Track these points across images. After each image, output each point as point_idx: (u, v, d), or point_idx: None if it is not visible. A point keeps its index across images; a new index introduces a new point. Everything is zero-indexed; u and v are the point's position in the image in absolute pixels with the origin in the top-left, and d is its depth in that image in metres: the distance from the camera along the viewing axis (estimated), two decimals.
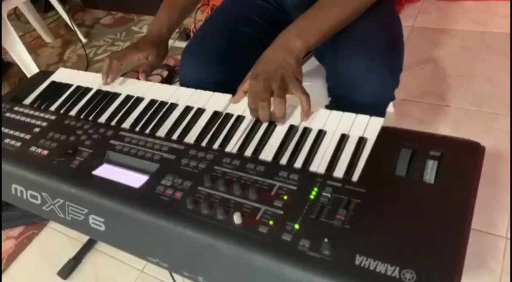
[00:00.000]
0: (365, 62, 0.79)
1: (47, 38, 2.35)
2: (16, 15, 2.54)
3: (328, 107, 0.84)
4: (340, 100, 0.84)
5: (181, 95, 0.83)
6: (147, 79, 0.92)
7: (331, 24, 0.79)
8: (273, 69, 0.72)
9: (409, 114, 1.43)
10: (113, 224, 0.65)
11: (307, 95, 0.71)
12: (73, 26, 2.16)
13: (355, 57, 0.80)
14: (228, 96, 0.79)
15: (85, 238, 1.33)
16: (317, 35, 0.77)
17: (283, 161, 0.65)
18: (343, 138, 0.66)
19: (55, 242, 1.37)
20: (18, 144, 0.80)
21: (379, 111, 0.84)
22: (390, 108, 1.34)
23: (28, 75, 1.96)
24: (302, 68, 0.76)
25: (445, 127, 1.38)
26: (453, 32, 1.72)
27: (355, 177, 0.59)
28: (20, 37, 1.91)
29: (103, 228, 0.66)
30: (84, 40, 2.25)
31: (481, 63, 1.55)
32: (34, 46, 2.31)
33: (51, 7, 2.47)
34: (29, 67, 1.92)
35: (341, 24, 0.80)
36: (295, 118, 0.71)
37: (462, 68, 1.56)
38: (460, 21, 1.77)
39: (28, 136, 0.81)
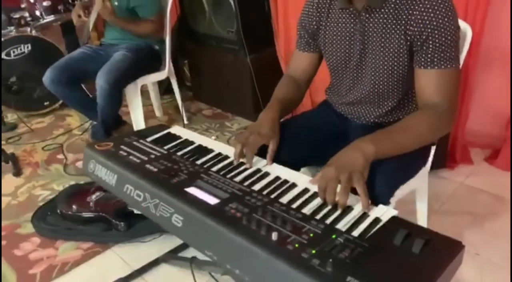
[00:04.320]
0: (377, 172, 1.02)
1: (157, 113, 2.89)
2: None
3: None
4: None
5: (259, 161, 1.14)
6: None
7: (401, 146, 1.03)
8: (344, 163, 0.93)
9: None
10: (188, 223, 0.91)
11: (366, 192, 0.90)
12: (182, 110, 2.68)
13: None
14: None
15: (137, 266, 1.56)
16: (387, 148, 0.99)
17: (318, 216, 0.90)
18: (364, 214, 0.90)
19: (112, 263, 1.62)
20: (138, 161, 1.14)
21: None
22: None
23: None
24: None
25: (469, 271, 1.50)
26: (499, 198, 1.90)
27: (365, 237, 0.82)
28: None
29: (180, 225, 0.92)
30: (185, 122, 2.74)
31: None
32: (146, 115, 2.82)
33: (168, 92, 3.08)
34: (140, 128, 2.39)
35: (408, 149, 1.04)
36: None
37: (499, 227, 1.71)
38: (507, 190, 1.95)
39: (146, 158, 1.15)
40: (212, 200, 0.95)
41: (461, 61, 1.29)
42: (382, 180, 1.02)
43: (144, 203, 1.02)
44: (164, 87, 3.10)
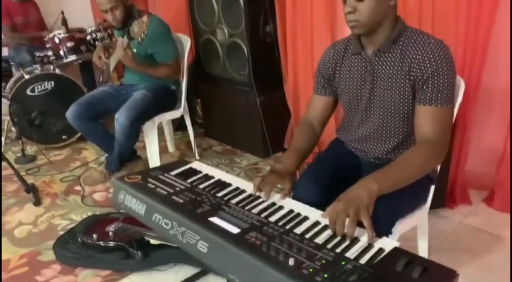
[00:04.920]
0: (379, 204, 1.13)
1: (170, 148, 3.03)
2: None
3: None
4: None
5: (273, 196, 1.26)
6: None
7: (400, 180, 1.17)
8: (352, 199, 1.07)
9: None
10: (213, 249, 1.03)
11: (372, 226, 1.03)
12: (194, 146, 2.82)
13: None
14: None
15: None
16: (388, 184, 1.13)
17: (329, 245, 1.01)
18: (370, 245, 1.02)
19: None
20: (165, 192, 1.26)
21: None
22: None
23: None
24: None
25: None
26: (496, 237, 1.99)
27: (371, 264, 0.93)
28: None
29: (205, 250, 1.04)
30: (197, 157, 2.87)
31: None
32: (159, 150, 2.95)
33: (180, 128, 3.23)
34: (154, 164, 2.53)
35: (406, 182, 1.18)
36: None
37: (496, 264, 1.79)
38: (504, 230, 2.04)
39: (172, 190, 1.28)
40: (234, 229, 1.07)
41: (456, 108, 1.44)
42: (384, 211, 1.14)
43: (172, 230, 1.14)
44: (177, 124, 3.25)
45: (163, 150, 2.97)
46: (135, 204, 1.27)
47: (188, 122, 2.82)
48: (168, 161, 2.86)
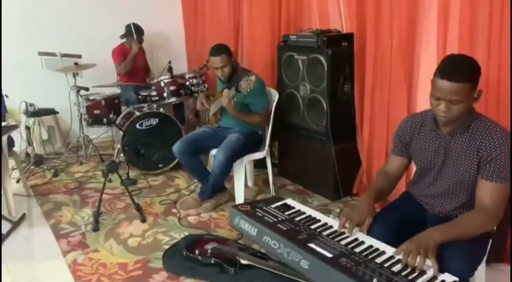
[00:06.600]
0: (457, 258, 1.44)
1: (249, 183, 3.44)
2: None
3: None
4: None
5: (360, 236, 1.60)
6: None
7: (458, 236, 1.48)
8: (422, 242, 1.41)
9: None
10: (313, 267, 1.38)
11: (437, 262, 1.35)
12: (271, 184, 3.22)
13: (452, 253, 1.46)
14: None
15: None
16: (449, 237, 1.45)
17: (403, 273, 1.33)
18: (434, 277, 1.32)
19: None
20: (271, 221, 1.64)
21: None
22: None
23: (236, 201, 2.98)
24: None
25: None
26: None
27: None
28: None
29: (307, 267, 1.39)
30: (272, 193, 3.25)
31: None
32: None
33: (257, 166, 3.64)
34: (239, 196, 2.95)
35: (463, 238, 1.48)
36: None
37: None
38: None
39: (275, 219, 1.66)
40: (328, 254, 1.42)
41: None
42: (460, 258, 1.44)
43: (279, 250, 1.51)
44: (255, 162, 3.68)
45: None
46: (248, 227, 1.66)
47: (268, 163, 3.22)
48: (248, 194, 3.28)
